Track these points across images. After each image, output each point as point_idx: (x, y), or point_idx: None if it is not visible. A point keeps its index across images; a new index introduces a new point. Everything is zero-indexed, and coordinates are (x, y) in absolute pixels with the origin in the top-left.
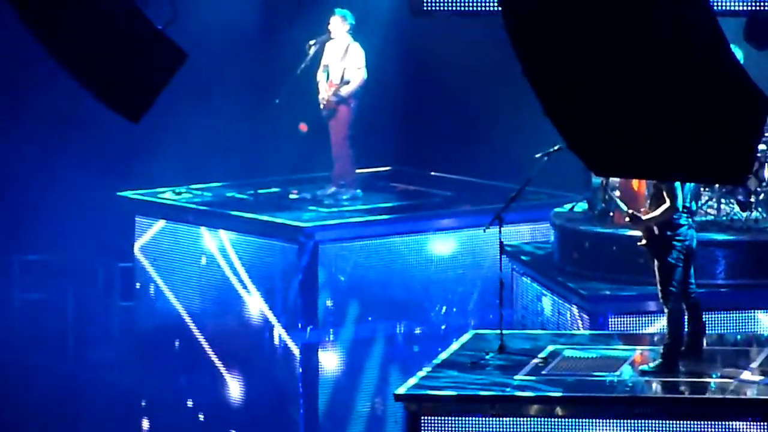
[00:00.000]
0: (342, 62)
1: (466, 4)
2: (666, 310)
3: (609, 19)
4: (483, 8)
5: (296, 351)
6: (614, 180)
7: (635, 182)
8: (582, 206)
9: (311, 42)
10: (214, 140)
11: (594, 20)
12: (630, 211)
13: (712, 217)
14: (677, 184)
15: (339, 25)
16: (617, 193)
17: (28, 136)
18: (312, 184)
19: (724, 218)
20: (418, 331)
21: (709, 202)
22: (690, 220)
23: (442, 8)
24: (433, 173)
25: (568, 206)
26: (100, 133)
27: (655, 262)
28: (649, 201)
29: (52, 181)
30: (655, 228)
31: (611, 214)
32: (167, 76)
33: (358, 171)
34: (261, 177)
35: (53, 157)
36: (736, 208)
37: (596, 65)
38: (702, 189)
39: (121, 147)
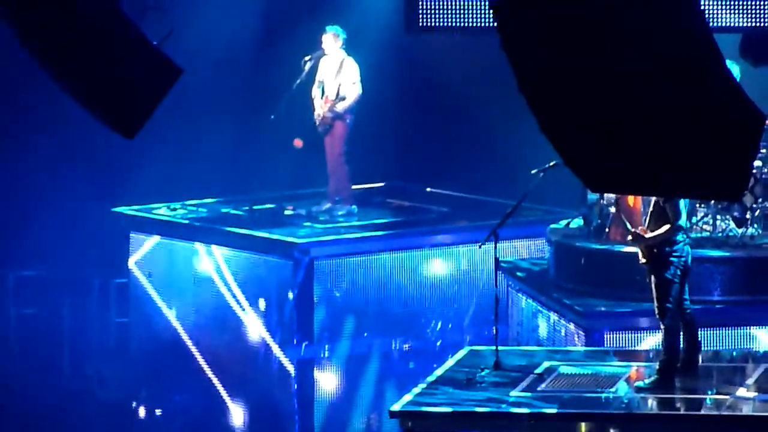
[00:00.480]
0: (337, 78)
1: (462, 21)
2: (662, 327)
3: (605, 35)
4: (479, 25)
5: (292, 367)
6: (610, 196)
7: (631, 199)
8: (578, 222)
9: (306, 58)
10: (209, 156)
11: (590, 38)
12: (633, 230)
13: (708, 233)
14: (681, 202)
15: (332, 41)
16: (613, 209)
17: (22, 151)
18: (307, 199)
19: (720, 234)
20: (409, 347)
21: (705, 219)
22: (686, 236)
23: (437, 25)
24: (428, 189)
25: (563, 222)
26: (94, 148)
27: (653, 279)
28: (647, 218)
29: (47, 196)
30: (654, 248)
31: (607, 230)
32: (162, 91)
33: (353, 187)
34: (256, 193)
35: (48, 172)
36: (732, 225)
37: (592, 82)
38: (698, 205)
39: (116, 162)
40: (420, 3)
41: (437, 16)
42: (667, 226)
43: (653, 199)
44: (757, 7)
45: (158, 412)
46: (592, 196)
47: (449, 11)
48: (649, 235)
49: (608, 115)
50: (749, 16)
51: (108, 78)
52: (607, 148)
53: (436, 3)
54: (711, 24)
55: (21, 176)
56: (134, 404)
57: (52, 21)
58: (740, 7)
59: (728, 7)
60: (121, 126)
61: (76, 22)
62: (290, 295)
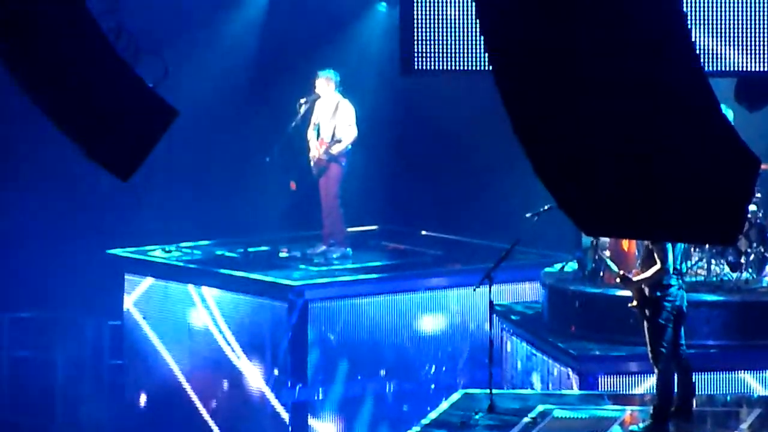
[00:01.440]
0: (332, 120)
1: (457, 63)
2: (656, 371)
3: (600, 78)
4: (473, 68)
5: (285, 410)
6: (604, 240)
7: (625, 242)
8: (572, 266)
9: (302, 100)
10: (204, 198)
11: (585, 80)
12: (621, 273)
13: (702, 277)
14: (668, 245)
15: (325, 84)
16: (607, 253)
17: (16, 193)
18: (302, 242)
19: (714, 279)
20: (403, 389)
21: (699, 263)
22: (680, 280)
23: (432, 67)
24: (423, 232)
25: (558, 266)
26: (88, 190)
27: (645, 323)
28: (640, 261)
29: (41, 238)
30: (646, 289)
31: (601, 274)
32: (158, 133)
33: (348, 229)
34: (251, 235)
35: (42, 213)
36: (726, 269)
37: (586, 124)
38: (692, 249)
39: (110, 204)
40: (415, 45)
41: (432, 58)
42: (655, 268)
43: (645, 242)
44: (753, 51)
45: None
46: (586, 240)
47: (444, 54)
48: (637, 278)
49: (601, 159)
50: (744, 60)
51: (103, 119)
52: (599, 191)
53: (432, 45)
54: (706, 68)
55: (15, 217)
56: None
57: (47, 60)
58: (735, 51)
59: (723, 51)
60: (116, 168)
61: (71, 63)
62: (284, 338)
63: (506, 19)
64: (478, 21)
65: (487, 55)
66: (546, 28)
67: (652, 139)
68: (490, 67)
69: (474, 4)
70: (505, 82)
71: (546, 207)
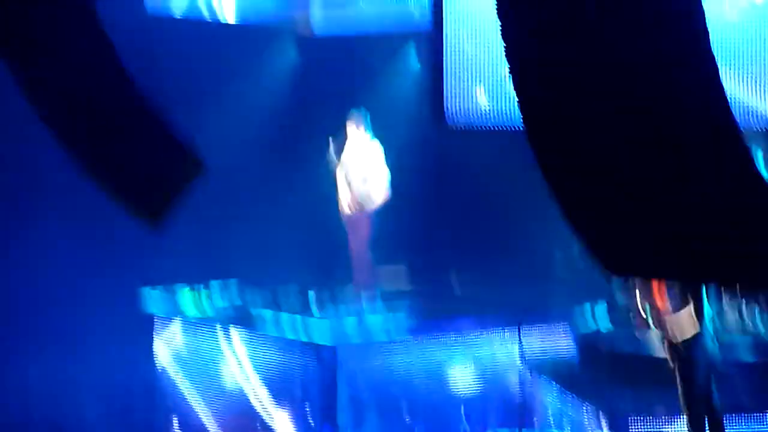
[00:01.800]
0: (362, 164)
1: (489, 121)
2: (687, 420)
3: (630, 138)
4: (506, 126)
5: None
6: (633, 282)
7: (656, 287)
8: (602, 308)
9: (331, 140)
10: (234, 243)
11: (614, 141)
12: (652, 319)
13: (734, 328)
14: (701, 287)
15: (357, 126)
16: (638, 297)
17: (42, 230)
18: (332, 289)
19: (745, 326)
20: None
21: (731, 312)
22: (711, 324)
23: (464, 125)
24: (454, 277)
25: (589, 309)
26: (118, 229)
27: (677, 371)
28: (670, 304)
29: (67, 276)
30: (677, 332)
31: (633, 319)
32: (186, 184)
33: (378, 273)
34: (281, 279)
35: (70, 252)
36: (759, 320)
37: (615, 173)
38: (724, 298)
39: (140, 244)
40: (446, 102)
41: (462, 114)
42: (685, 311)
43: (676, 285)
44: None
45: None
46: (617, 282)
47: (474, 110)
48: (667, 321)
49: (633, 205)
50: None
51: (133, 170)
52: (630, 235)
53: (461, 101)
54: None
55: (41, 257)
56: None
57: (78, 113)
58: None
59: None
60: (145, 218)
61: (103, 116)
62: (314, 384)
63: (537, 84)
64: (509, 79)
65: (517, 108)
66: (577, 93)
67: (682, 185)
68: (523, 127)
69: (508, 69)
70: (537, 139)
71: (574, 251)
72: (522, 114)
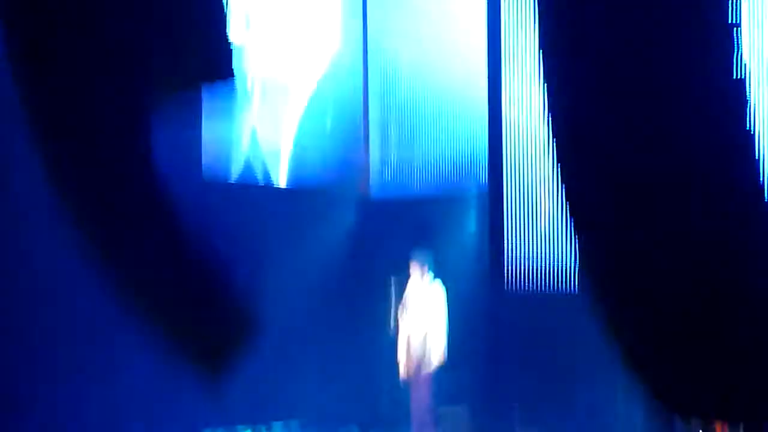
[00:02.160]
0: (423, 304)
1: (546, 287)
2: None
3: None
4: (563, 291)
5: None
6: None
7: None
8: None
9: (393, 281)
10: (296, 380)
11: (667, 281)
12: None
13: None
14: None
15: (418, 267)
16: None
17: (112, 375)
18: (390, 427)
19: None
20: None
21: None
22: None
23: (522, 290)
24: (515, 415)
25: None
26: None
27: None
28: None
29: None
30: None
31: None
32: (245, 346)
33: (437, 411)
34: (337, 422)
35: (131, 389)
36: None
37: (667, 320)
38: None
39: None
40: (506, 268)
41: (523, 280)
42: None
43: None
44: None
45: None
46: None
47: (535, 276)
48: None
49: (696, 349)
50: None
51: (198, 333)
52: (691, 377)
53: (522, 268)
54: None
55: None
56: None
57: (142, 265)
58: None
59: None
60: (207, 375)
61: (164, 271)
62: None
63: (596, 251)
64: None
65: (577, 270)
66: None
67: (733, 321)
68: (577, 290)
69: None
70: (592, 283)
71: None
72: (580, 283)
